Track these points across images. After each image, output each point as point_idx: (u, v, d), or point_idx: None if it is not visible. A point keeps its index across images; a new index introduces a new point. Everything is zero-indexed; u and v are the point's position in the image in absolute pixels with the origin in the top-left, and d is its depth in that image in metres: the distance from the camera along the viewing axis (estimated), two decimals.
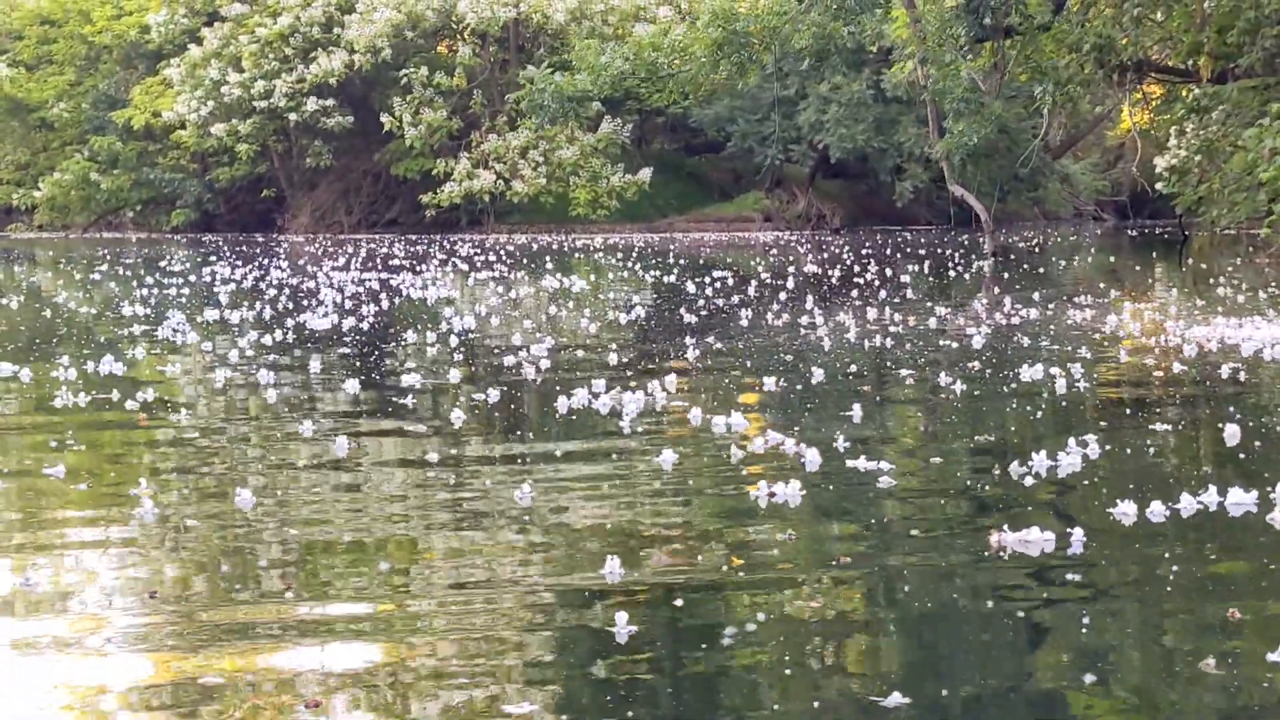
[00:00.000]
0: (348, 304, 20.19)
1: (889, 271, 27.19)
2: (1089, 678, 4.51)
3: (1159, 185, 39.35)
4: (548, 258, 35.29)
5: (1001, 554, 5.93)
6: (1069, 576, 5.67)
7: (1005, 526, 6.13)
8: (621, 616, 4.95)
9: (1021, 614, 5.18)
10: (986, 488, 7.26)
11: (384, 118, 55.72)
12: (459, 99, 56.51)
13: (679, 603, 5.29)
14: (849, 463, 7.64)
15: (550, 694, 4.40)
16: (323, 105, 56.48)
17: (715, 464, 7.90)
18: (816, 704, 4.26)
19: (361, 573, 5.84)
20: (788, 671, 4.59)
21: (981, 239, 36.80)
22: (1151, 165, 38.84)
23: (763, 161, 57.77)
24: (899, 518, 6.68)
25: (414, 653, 4.79)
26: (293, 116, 56.69)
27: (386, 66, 56.10)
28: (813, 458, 7.64)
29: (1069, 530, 6.11)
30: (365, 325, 17.36)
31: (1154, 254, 35.87)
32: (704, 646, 4.78)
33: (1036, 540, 6.00)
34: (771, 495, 6.84)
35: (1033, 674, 4.63)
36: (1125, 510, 6.48)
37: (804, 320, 16.77)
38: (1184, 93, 36.95)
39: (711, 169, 62.41)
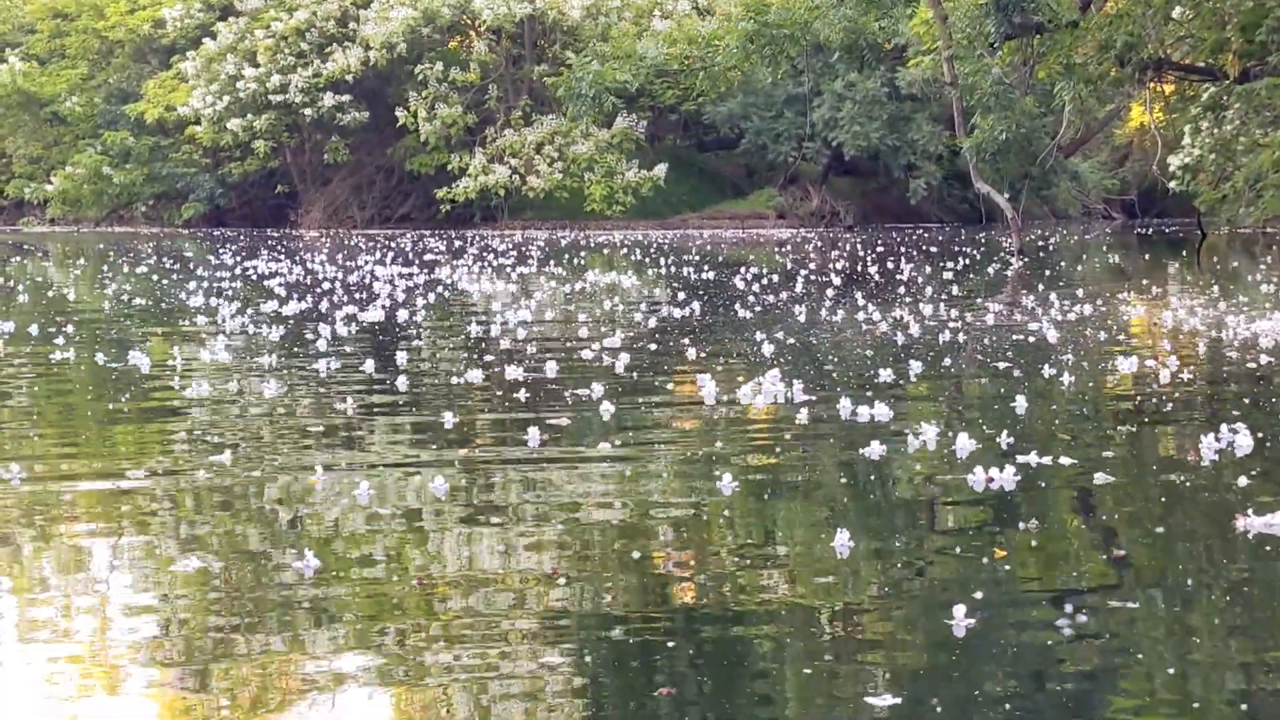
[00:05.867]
0: (401, 297, 20.40)
1: (928, 268, 27.41)
2: None
3: (1172, 184, 39.65)
4: (582, 252, 35.49)
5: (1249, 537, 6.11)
6: None
7: (1250, 510, 6.30)
8: (960, 609, 5.03)
9: None
10: (1187, 477, 7.40)
11: (399, 112, 55.85)
12: (474, 94, 56.66)
13: (979, 594, 5.37)
14: (1021, 457, 7.67)
15: (906, 690, 4.46)
16: (339, 101, 56.59)
17: (911, 454, 8.05)
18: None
19: (618, 560, 6.00)
20: (1123, 661, 4.71)
21: (1004, 238, 37.02)
22: (1164, 163, 39.12)
23: (776, 158, 58.00)
24: (1125, 508, 6.84)
25: (742, 644, 4.93)
26: (308, 112, 56.82)
27: (401, 62, 56.23)
28: (963, 444, 7.85)
29: None
30: (419, 318, 17.54)
31: (1182, 252, 36.08)
32: (1047, 642, 4.90)
33: None
34: (990, 481, 7.06)
35: None
36: None
37: (861, 316, 16.94)
38: (1193, 90, 37.24)
39: (724, 166, 62.60)
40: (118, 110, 62.96)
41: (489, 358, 13.05)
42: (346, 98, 56.81)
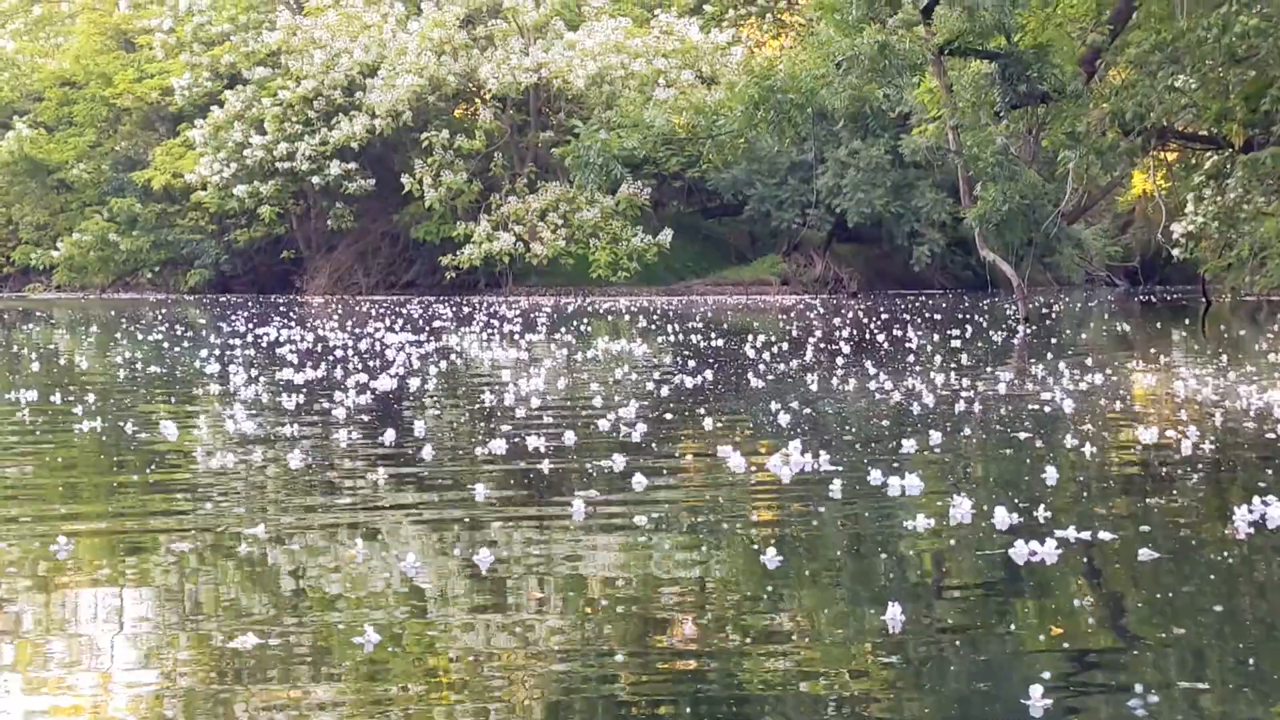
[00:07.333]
0: (415, 364, 20.49)
1: (935, 336, 27.50)
2: None
3: (1175, 251, 39.87)
4: (587, 319, 35.58)
5: None
6: None
7: None
8: (1036, 689, 5.01)
9: None
10: (1229, 552, 7.44)
11: (405, 179, 56.25)
12: (479, 161, 57.05)
13: (1047, 675, 5.32)
14: (1058, 531, 7.68)
15: None
16: (345, 168, 57.01)
17: (951, 526, 8.09)
18: None
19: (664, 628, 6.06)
20: None
21: (1009, 305, 37.15)
22: (1168, 231, 39.35)
23: (780, 225, 58.31)
24: (1179, 586, 6.82)
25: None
26: (314, 179, 57.24)
27: (407, 129, 56.69)
28: (1001, 517, 7.91)
29: None
30: (430, 386, 17.57)
31: (1186, 320, 36.17)
32: None
33: None
34: (1032, 554, 7.11)
35: None
36: None
37: (873, 385, 16.97)
38: (1195, 158, 37.51)
39: (728, 232, 62.95)
40: (124, 177, 63.43)
41: (506, 427, 13.04)
42: (352, 165, 57.26)
